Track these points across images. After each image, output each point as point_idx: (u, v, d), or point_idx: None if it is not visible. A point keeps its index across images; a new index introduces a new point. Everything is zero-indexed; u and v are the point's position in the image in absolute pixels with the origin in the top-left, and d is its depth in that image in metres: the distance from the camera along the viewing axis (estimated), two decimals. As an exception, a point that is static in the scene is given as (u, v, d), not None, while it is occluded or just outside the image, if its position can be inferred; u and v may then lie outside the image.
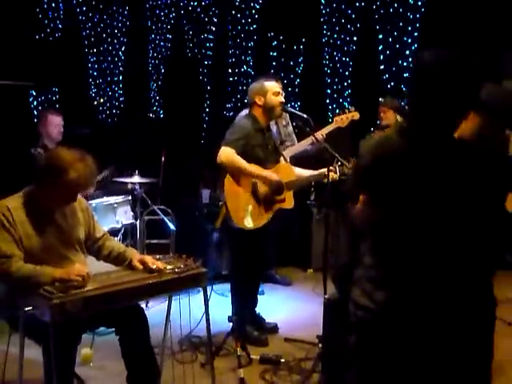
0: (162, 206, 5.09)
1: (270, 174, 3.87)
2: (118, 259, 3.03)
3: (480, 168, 1.89)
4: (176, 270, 2.87)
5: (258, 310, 4.22)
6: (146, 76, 7.12)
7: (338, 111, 6.12)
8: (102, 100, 7.05)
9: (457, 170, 1.85)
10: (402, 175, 1.84)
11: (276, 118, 4.17)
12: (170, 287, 2.90)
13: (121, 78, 7.08)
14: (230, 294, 4.19)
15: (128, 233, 4.96)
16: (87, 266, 2.89)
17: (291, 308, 4.81)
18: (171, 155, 5.72)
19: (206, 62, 6.92)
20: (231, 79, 6.82)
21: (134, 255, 2.99)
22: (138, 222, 4.85)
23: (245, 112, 4.18)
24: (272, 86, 3.89)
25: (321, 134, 4.40)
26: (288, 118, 5.02)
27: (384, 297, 1.87)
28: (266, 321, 4.24)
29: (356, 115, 4.57)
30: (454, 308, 1.88)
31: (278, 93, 3.90)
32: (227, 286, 4.46)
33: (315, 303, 4.35)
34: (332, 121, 4.62)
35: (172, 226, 4.92)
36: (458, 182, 1.85)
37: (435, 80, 1.83)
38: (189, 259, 3.00)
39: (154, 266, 2.86)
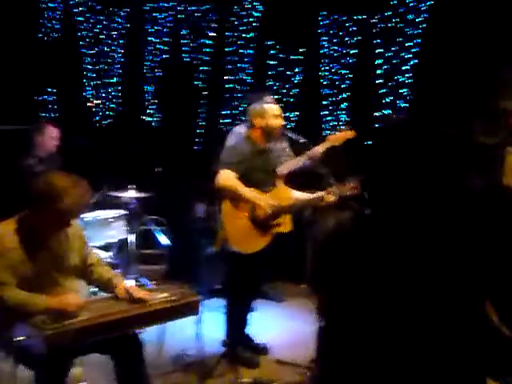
0: (155, 217, 5.08)
1: (266, 204, 3.78)
2: (106, 285, 3.05)
3: None
4: (170, 299, 2.87)
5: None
6: (143, 79, 7.05)
7: (333, 123, 6.14)
8: (96, 102, 6.99)
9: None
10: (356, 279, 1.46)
11: (274, 140, 4.12)
12: (164, 316, 2.91)
13: (115, 80, 7.02)
14: (222, 311, 4.16)
15: (123, 246, 4.92)
16: (80, 292, 2.89)
17: (283, 326, 4.72)
18: (167, 166, 5.68)
19: (202, 68, 6.87)
20: (228, 86, 6.78)
21: (119, 283, 3.00)
22: (132, 236, 4.82)
23: (241, 129, 4.07)
24: (272, 109, 3.90)
25: (318, 152, 4.35)
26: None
27: None
28: (257, 340, 4.20)
29: (351, 135, 4.49)
30: None
31: (278, 115, 3.91)
32: (220, 302, 4.43)
33: (308, 320, 4.30)
34: (327, 137, 4.57)
35: (166, 241, 4.88)
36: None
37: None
38: (183, 287, 3.01)
39: (139, 296, 2.86)
